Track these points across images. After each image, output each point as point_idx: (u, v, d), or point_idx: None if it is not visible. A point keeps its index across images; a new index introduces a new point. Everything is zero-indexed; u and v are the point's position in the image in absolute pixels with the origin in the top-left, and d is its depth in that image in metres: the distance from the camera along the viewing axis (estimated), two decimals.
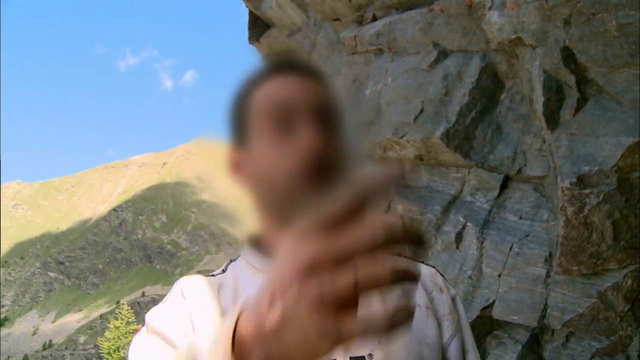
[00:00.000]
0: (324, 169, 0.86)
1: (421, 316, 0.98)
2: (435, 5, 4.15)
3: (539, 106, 3.42)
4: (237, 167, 0.97)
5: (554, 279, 3.48)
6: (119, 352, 29.89)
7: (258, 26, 8.52)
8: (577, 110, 3.33)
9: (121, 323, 34.21)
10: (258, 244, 1.01)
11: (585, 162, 3.20)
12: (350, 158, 0.90)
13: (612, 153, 3.11)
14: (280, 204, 0.91)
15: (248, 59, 8.99)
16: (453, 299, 1.05)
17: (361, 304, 0.49)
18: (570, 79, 3.29)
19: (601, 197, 3.14)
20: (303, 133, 0.88)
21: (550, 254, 3.52)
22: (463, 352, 1.01)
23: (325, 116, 0.91)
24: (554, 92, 3.35)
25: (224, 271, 1.03)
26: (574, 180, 3.17)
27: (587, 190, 3.16)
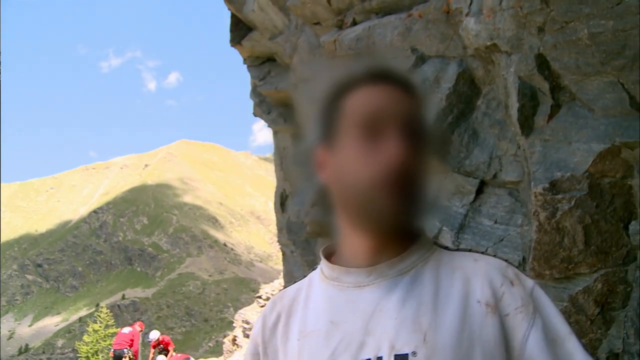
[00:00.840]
0: (404, 182, 0.92)
1: (478, 313, 0.95)
2: (414, 11, 4.18)
3: (513, 112, 3.47)
4: (323, 166, 1.01)
5: None
6: (97, 355, 29.48)
7: (240, 29, 8.52)
8: (550, 116, 3.38)
9: (100, 326, 33.75)
10: (332, 253, 1.08)
11: (557, 168, 3.25)
12: (431, 173, 0.99)
13: (584, 159, 3.16)
14: (357, 211, 0.97)
15: (232, 61, 9.00)
16: (529, 290, 0.99)
17: None
18: (545, 86, 3.34)
19: (573, 203, 3.19)
20: (390, 144, 0.93)
21: (523, 258, 3.56)
22: (552, 341, 0.94)
23: (413, 131, 0.95)
24: (529, 99, 3.40)
25: (305, 277, 1.13)
26: (547, 185, 3.22)
27: (560, 196, 3.20)
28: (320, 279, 1.07)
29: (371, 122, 0.95)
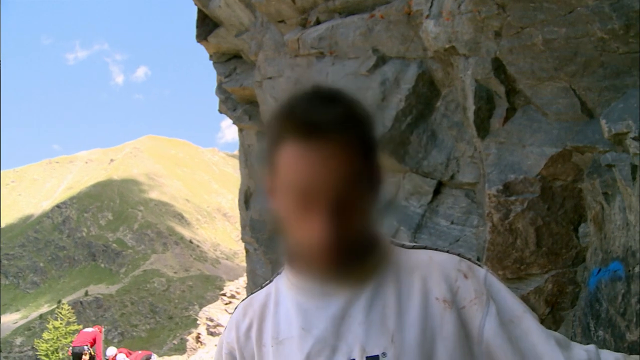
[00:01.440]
0: (333, 252, 0.96)
1: (437, 310, 1.01)
2: (376, 12, 4.21)
3: (470, 114, 3.52)
4: (270, 194, 1.03)
5: None
6: (57, 353, 28.90)
7: (206, 24, 8.43)
8: (506, 119, 3.44)
9: (61, 323, 33.06)
10: (294, 262, 1.10)
11: (511, 170, 3.31)
12: (371, 233, 1.03)
13: (537, 162, 3.23)
14: (297, 254, 1.04)
15: (202, 57, 8.91)
16: (482, 279, 1.04)
17: None
18: (500, 89, 3.40)
19: (525, 205, 3.25)
20: (314, 223, 0.95)
21: (478, 259, 3.62)
22: (509, 322, 1.00)
23: (344, 198, 0.94)
24: (485, 102, 3.45)
25: (270, 281, 1.17)
26: (500, 187, 3.28)
27: (513, 198, 3.27)
28: (286, 286, 1.11)
29: (301, 194, 0.95)
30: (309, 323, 1.04)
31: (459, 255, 1.08)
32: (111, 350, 13.56)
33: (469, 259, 1.08)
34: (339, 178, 0.94)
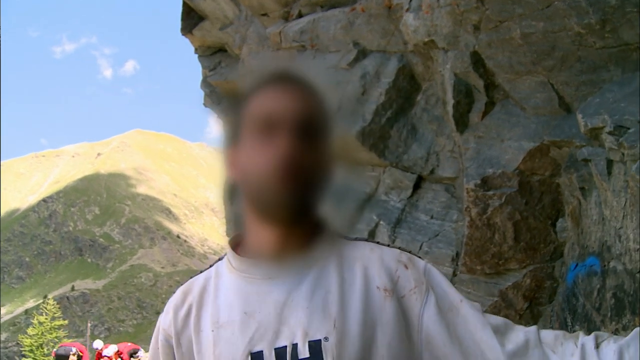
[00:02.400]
0: (293, 173, 0.98)
1: (378, 298, 1.03)
2: (357, 5, 4.18)
3: (449, 108, 3.51)
4: (231, 166, 1.08)
5: (460, 278, 3.58)
6: (42, 349, 28.67)
7: (191, 18, 8.36)
8: (484, 114, 3.43)
9: (46, 318, 32.81)
10: (239, 244, 1.13)
11: (490, 164, 3.31)
12: (328, 167, 1.05)
13: (515, 157, 3.22)
14: (256, 201, 1.04)
15: (190, 51, 8.82)
16: (422, 270, 1.07)
17: None
18: (479, 83, 3.39)
19: (503, 199, 3.25)
20: (279, 141, 0.99)
21: (457, 254, 3.62)
22: (449, 311, 1.03)
23: (306, 128, 1.01)
24: (464, 95, 3.44)
25: (210, 266, 1.17)
26: (479, 182, 3.27)
27: (491, 192, 3.26)
28: (228, 270, 1.11)
29: (266, 121, 1.02)
30: (251, 307, 1.04)
31: (399, 248, 1.12)
32: (98, 343, 13.41)
33: (410, 252, 1.11)
34: (303, 108, 1.02)
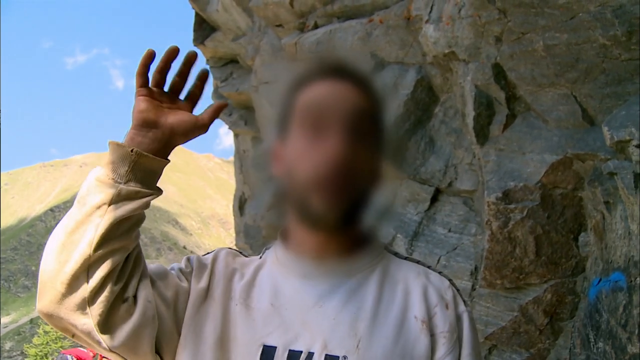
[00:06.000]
0: (340, 178, 0.91)
1: (414, 329, 0.97)
2: (375, 16, 4.17)
3: (469, 121, 3.47)
4: (277, 160, 1.02)
5: (479, 292, 3.53)
6: (46, 358, 28.63)
7: (204, 29, 8.40)
8: (505, 126, 3.39)
9: (51, 328, 32.75)
10: (287, 236, 1.06)
11: (511, 177, 3.26)
12: (380, 172, 0.99)
13: (537, 170, 3.18)
14: (301, 206, 0.97)
15: (203, 62, 8.87)
16: (459, 316, 1.01)
17: None
18: (500, 95, 3.35)
19: (525, 213, 3.20)
20: (329, 139, 0.93)
21: (476, 268, 3.57)
22: None
23: (359, 127, 0.95)
24: (485, 108, 3.41)
25: (260, 256, 1.11)
26: (500, 195, 3.23)
27: (512, 206, 3.21)
28: (271, 260, 1.07)
29: (316, 116, 0.96)
30: (279, 301, 0.99)
31: (450, 281, 1.05)
32: None
33: (457, 290, 1.05)
34: (355, 106, 0.96)
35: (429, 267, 1.06)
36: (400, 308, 0.98)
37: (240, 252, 1.14)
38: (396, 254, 1.08)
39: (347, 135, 0.93)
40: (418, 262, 1.07)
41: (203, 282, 1.03)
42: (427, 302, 0.99)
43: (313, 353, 0.93)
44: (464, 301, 1.04)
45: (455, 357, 0.98)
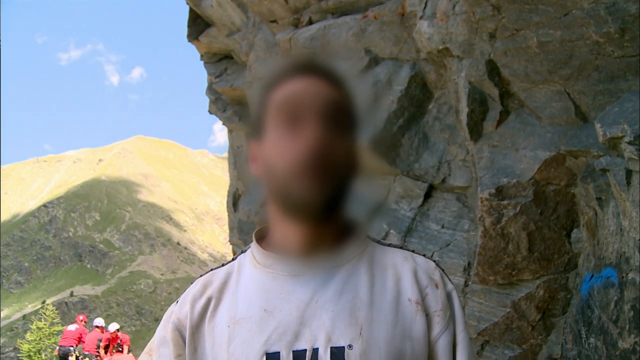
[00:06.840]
0: (320, 165, 0.92)
1: (410, 311, 1.00)
2: (369, 12, 4.16)
3: (463, 117, 3.47)
4: (254, 159, 1.04)
5: (472, 288, 3.54)
6: (40, 354, 28.46)
7: (198, 24, 8.37)
8: (499, 122, 3.40)
9: (44, 324, 32.60)
10: (263, 237, 1.07)
11: (504, 174, 3.27)
12: (357, 162, 1.00)
13: (530, 166, 3.19)
14: (283, 199, 0.98)
15: (197, 59, 8.85)
16: (449, 295, 1.05)
17: None
18: (494, 92, 3.36)
19: (518, 209, 3.21)
20: (306, 130, 0.94)
21: (469, 264, 3.58)
22: (453, 346, 1.03)
23: (334, 118, 0.97)
24: (478, 104, 3.41)
25: (233, 259, 1.11)
26: (493, 191, 3.23)
27: (505, 202, 3.22)
28: (251, 265, 1.06)
29: (291, 111, 0.97)
30: (271, 305, 0.98)
31: (434, 262, 1.08)
32: (113, 326, 13.26)
33: (442, 270, 1.09)
34: (330, 95, 0.98)
35: (412, 251, 1.08)
36: (393, 292, 1.00)
37: (213, 269, 1.13)
38: (379, 242, 1.09)
39: (322, 124, 0.95)
40: (401, 247, 1.10)
41: (181, 350, 1.05)
42: (419, 284, 1.02)
43: (318, 349, 0.94)
44: (450, 280, 1.08)
45: (451, 333, 1.03)
